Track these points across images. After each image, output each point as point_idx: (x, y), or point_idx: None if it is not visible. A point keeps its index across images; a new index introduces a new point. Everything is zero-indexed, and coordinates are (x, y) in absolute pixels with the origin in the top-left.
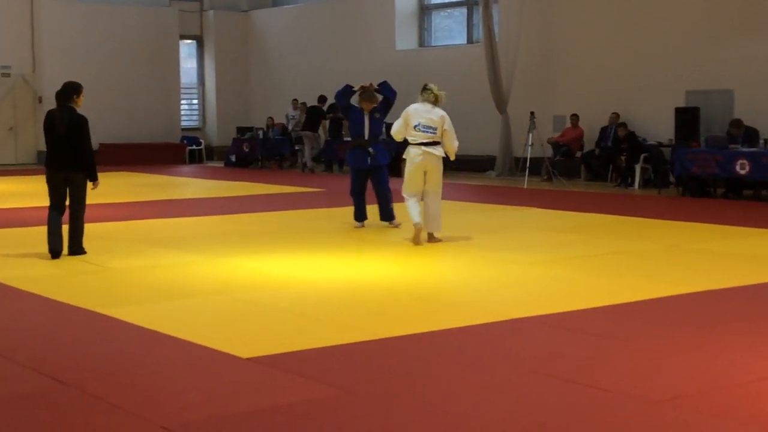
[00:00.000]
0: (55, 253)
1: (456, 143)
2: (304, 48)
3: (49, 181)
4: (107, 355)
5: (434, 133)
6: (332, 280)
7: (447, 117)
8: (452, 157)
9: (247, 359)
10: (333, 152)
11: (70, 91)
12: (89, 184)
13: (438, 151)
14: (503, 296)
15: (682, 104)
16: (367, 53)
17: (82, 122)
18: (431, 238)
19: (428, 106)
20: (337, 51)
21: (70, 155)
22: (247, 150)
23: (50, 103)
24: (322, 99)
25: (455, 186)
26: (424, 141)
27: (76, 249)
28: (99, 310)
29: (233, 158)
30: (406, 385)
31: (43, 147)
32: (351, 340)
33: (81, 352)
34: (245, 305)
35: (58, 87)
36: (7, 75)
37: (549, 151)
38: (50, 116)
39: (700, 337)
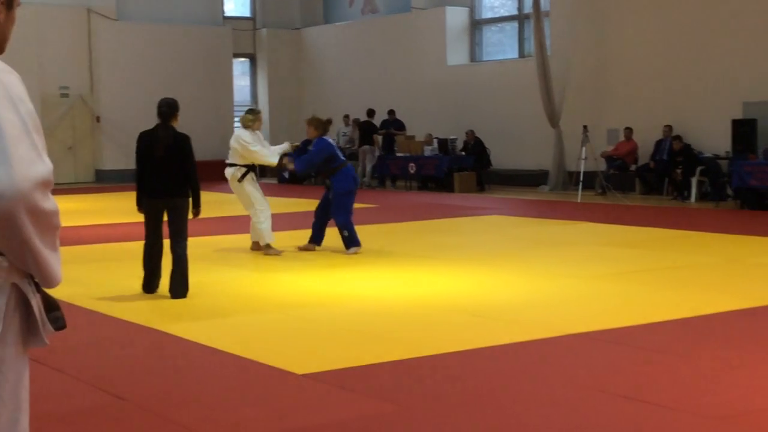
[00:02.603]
0: (150, 289)
1: (253, 149)
2: (356, 64)
3: (146, 211)
4: (165, 372)
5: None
6: (386, 295)
7: (240, 136)
8: (265, 162)
9: (303, 375)
10: (386, 167)
11: (173, 108)
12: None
13: (229, 172)
14: (558, 312)
15: (739, 116)
16: (419, 69)
17: (186, 141)
18: (255, 246)
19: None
20: (388, 67)
21: (173, 179)
22: None
23: (108, 123)
24: (371, 113)
25: (507, 201)
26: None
27: (181, 291)
28: (157, 326)
29: (286, 174)
30: (462, 401)
31: (101, 166)
32: (406, 356)
33: (140, 368)
34: (300, 321)
35: (116, 107)
36: (66, 95)
37: (602, 165)
38: (147, 137)
39: (761, 353)
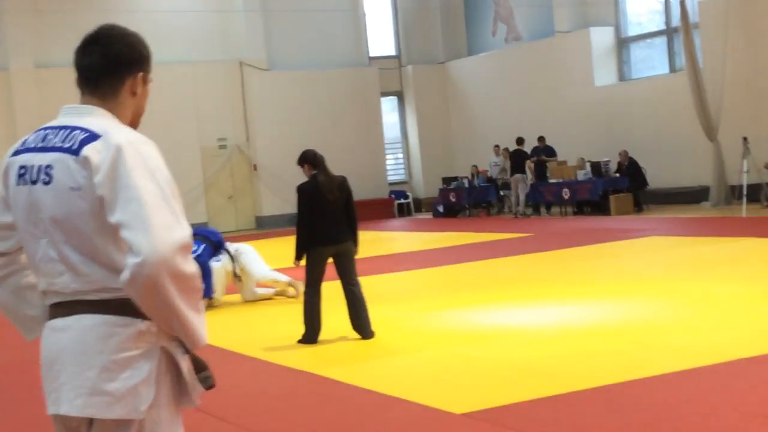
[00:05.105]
0: (312, 340)
1: None
2: (502, 93)
3: (313, 260)
4: (326, 415)
5: None
6: (544, 326)
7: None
8: None
9: (462, 415)
10: (539, 195)
11: (322, 155)
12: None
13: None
14: (724, 335)
15: None
16: (566, 92)
17: (347, 183)
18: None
19: None
20: (534, 93)
21: (342, 224)
22: (453, 199)
23: (265, 170)
24: (521, 141)
25: (667, 220)
26: None
27: (367, 331)
28: (315, 371)
29: (441, 208)
30: None
31: (261, 212)
32: (565, 390)
33: (302, 414)
34: (456, 359)
35: (271, 154)
36: (224, 147)
37: (767, 177)
38: (310, 186)
39: None
